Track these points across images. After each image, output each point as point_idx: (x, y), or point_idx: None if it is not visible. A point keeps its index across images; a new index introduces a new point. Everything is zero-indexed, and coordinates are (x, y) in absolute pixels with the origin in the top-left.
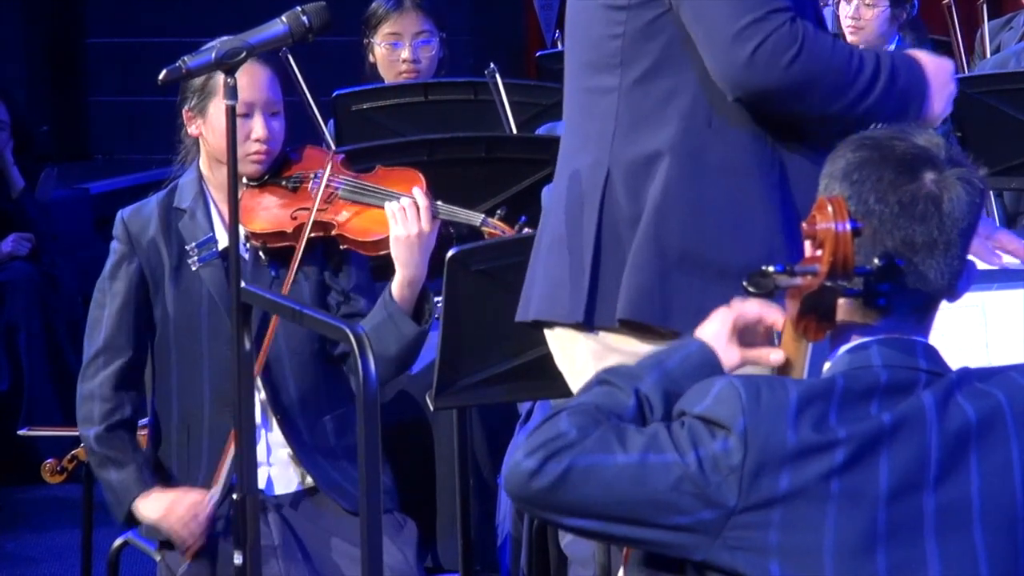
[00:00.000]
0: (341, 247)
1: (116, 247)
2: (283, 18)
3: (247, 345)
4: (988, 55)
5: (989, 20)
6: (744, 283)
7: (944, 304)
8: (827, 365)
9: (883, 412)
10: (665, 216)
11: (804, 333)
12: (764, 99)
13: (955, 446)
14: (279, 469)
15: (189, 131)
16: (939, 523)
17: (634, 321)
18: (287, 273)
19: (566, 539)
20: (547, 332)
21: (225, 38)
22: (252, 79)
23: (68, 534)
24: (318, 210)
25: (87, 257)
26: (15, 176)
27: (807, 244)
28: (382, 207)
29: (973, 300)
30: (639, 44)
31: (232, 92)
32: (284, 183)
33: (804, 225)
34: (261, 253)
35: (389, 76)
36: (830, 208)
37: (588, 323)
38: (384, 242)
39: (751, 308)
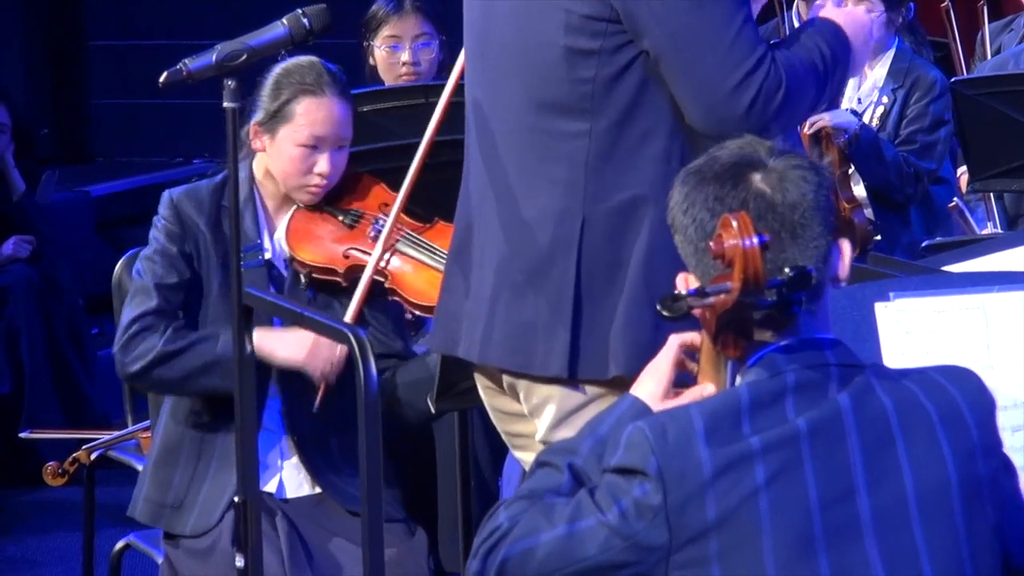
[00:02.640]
0: (390, 298)
1: (163, 225)
2: (284, 20)
3: (248, 348)
4: (989, 57)
5: (989, 22)
6: (657, 307)
7: (946, 306)
8: (739, 379)
9: (798, 416)
10: (653, 264)
11: (723, 350)
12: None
13: (878, 443)
14: (291, 472)
15: (252, 144)
16: (877, 525)
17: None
18: (323, 300)
19: None
20: (506, 378)
21: (226, 41)
22: (328, 113)
23: (70, 537)
24: (378, 258)
25: (88, 260)
26: (16, 179)
27: (716, 263)
28: (439, 270)
29: (974, 302)
30: (611, 89)
31: (233, 95)
32: (340, 216)
33: (711, 244)
34: (302, 278)
35: (389, 79)
36: (735, 224)
37: (572, 376)
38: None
39: (687, 342)
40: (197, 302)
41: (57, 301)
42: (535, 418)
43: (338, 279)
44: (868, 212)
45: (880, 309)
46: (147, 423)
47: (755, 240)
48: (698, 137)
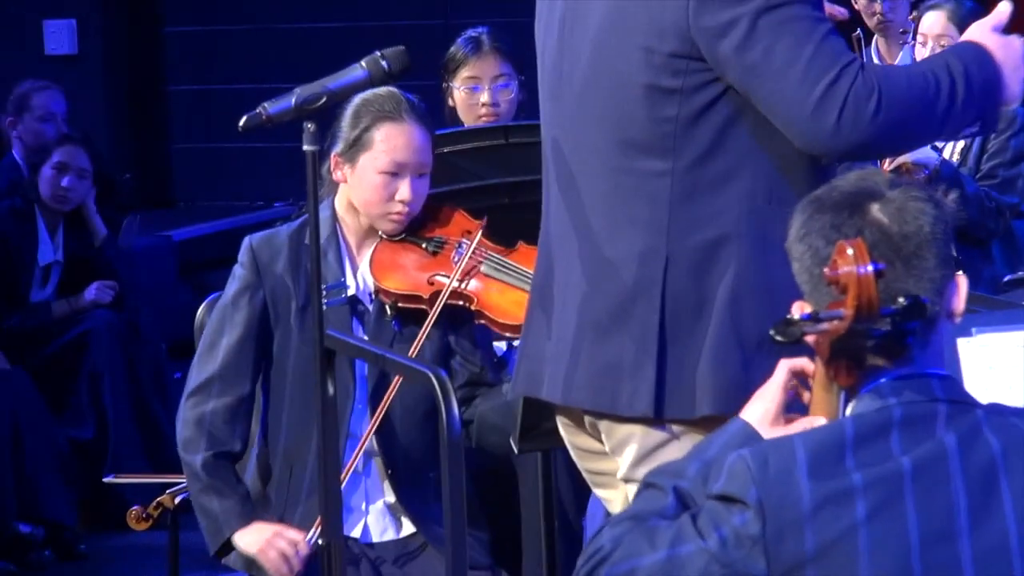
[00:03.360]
0: (477, 320)
1: (241, 274)
2: (362, 63)
3: (331, 391)
4: None
5: None
6: (771, 332)
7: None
8: (849, 408)
9: (903, 453)
10: (740, 302)
11: (835, 378)
12: (860, 155)
13: (983, 484)
14: (375, 517)
15: (333, 175)
16: (978, 568)
17: (718, 415)
18: (410, 332)
19: None
20: (587, 417)
21: (305, 84)
22: (408, 140)
23: None
24: (459, 280)
25: (170, 304)
26: (98, 224)
27: (831, 289)
28: (525, 290)
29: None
30: (693, 127)
31: (313, 138)
32: (424, 244)
33: (826, 271)
34: (388, 308)
35: (468, 120)
36: (850, 251)
37: (658, 415)
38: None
39: (797, 368)
40: (270, 350)
41: (140, 346)
42: (616, 456)
43: (423, 306)
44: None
45: (963, 344)
46: None
47: (870, 268)
48: (786, 174)
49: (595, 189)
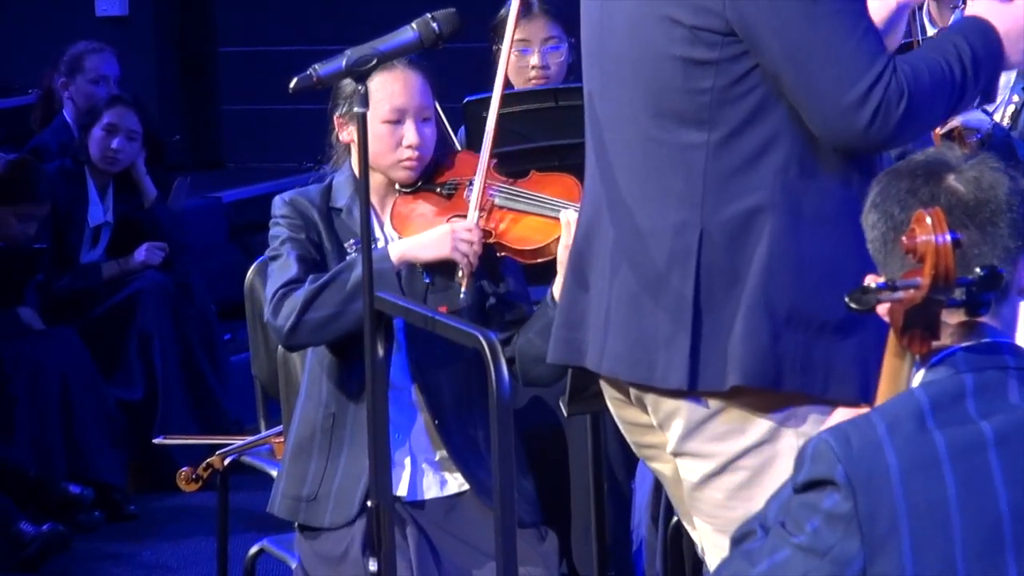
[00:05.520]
0: (499, 254)
1: (285, 221)
2: (413, 25)
3: (380, 352)
4: None
5: None
6: (846, 299)
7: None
8: (918, 378)
9: (981, 419)
10: (773, 274)
11: (908, 347)
12: (874, 152)
13: None
14: (422, 475)
15: (341, 137)
16: None
17: (746, 387)
18: (441, 283)
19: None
20: (633, 391)
21: (356, 46)
22: (404, 85)
23: (204, 542)
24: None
25: (220, 266)
26: (148, 185)
27: (908, 257)
28: (541, 215)
29: None
30: (728, 100)
31: (363, 100)
32: (438, 190)
33: (904, 239)
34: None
35: (519, 82)
36: (929, 220)
37: (692, 387)
38: (543, 250)
39: None
40: None
41: (189, 307)
42: (664, 431)
43: None
44: None
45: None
46: (279, 428)
47: (948, 237)
48: (820, 147)
49: (630, 159)
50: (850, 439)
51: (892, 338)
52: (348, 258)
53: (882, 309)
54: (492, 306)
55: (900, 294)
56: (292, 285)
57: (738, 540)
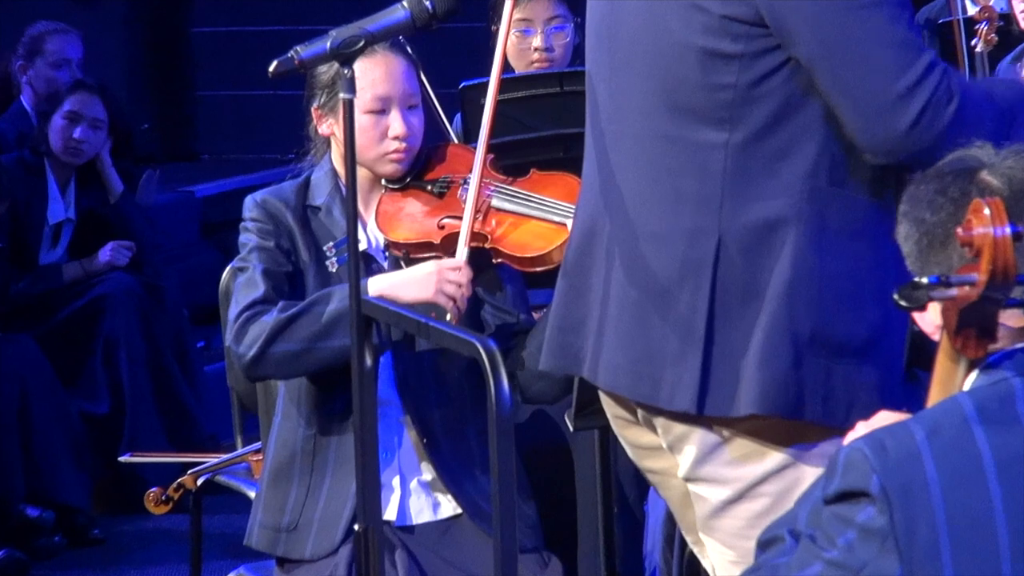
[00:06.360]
0: (494, 260)
1: (254, 226)
2: (404, 3)
3: (368, 361)
4: None
5: None
6: (895, 296)
7: None
8: (968, 382)
9: None
10: (795, 293)
11: (963, 350)
12: (912, 160)
13: None
14: (412, 497)
15: (319, 130)
16: None
17: (762, 415)
18: (425, 308)
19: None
20: (640, 411)
21: (342, 26)
22: (387, 70)
23: (175, 570)
24: (471, 218)
25: (193, 267)
26: (114, 179)
27: (964, 251)
28: (541, 219)
29: None
30: (752, 98)
31: (349, 85)
32: (429, 187)
33: (959, 231)
34: (402, 263)
35: (520, 66)
36: (987, 211)
37: (700, 411)
38: (543, 258)
39: None
40: (301, 298)
41: (159, 312)
42: (676, 454)
43: (437, 253)
44: None
45: None
46: (258, 445)
47: (1008, 229)
48: (850, 153)
49: (638, 155)
50: (886, 447)
51: (945, 340)
52: (325, 289)
53: (923, 317)
54: (488, 316)
55: (954, 291)
56: (258, 307)
57: (764, 545)
